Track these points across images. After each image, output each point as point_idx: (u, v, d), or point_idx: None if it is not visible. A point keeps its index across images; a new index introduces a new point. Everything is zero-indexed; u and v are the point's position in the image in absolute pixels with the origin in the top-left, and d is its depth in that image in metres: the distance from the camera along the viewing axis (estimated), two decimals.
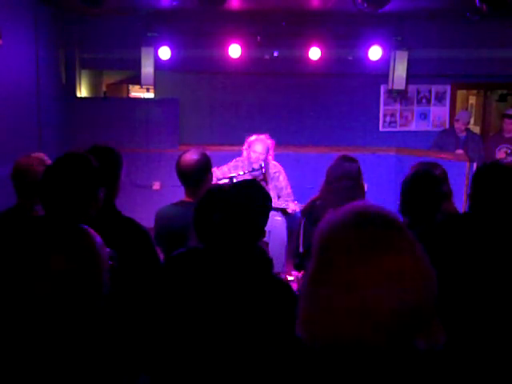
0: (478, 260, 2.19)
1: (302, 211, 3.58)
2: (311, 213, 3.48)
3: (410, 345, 1.01)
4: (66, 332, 1.24)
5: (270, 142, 4.68)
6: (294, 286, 3.60)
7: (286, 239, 4.59)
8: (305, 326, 1.08)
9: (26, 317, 1.23)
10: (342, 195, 3.33)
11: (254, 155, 4.59)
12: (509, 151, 6.20)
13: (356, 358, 1.01)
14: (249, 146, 4.68)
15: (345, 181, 3.38)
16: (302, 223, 3.52)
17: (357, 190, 3.39)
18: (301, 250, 3.52)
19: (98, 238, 1.33)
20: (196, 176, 2.87)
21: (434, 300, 1.03)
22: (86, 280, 1.26)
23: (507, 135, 6.28)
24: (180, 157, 2.94)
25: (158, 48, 6.46)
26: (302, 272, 3.64)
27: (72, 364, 1.22)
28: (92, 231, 1.33)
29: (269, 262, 1.81)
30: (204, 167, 2.91)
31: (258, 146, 4.62)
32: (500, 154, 6.23)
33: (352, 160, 3.47)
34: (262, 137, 4.68)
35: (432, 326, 1.02)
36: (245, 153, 4.74)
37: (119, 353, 1.43)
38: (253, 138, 4.70)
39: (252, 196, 1.80)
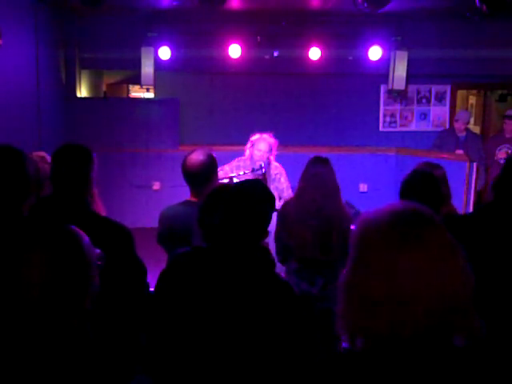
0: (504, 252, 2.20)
1: (277, 212, 3.64)
2: (281, 212, 3.54)
3: (448, 339, 1.02)
4: (55, 333, 1.23)
5: (273, 140, 4.69)
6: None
7: None
8: (345, 319, 1.10)
9: (17, 320, 1.23)
10: (309, 196, 3.39)
11: (257, 153, 4.60)
12: (509, 151, 6.21)
13: (393, 351, 1.03)
14: (252, 145, 4.69)
15: (312, 182, 3.42)
16: (276, 221, 3.58)
17: (325, 191, 3.42)
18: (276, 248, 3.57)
19: (86, 238, 1.32)
20: (202, 176, 2.86)
21: (471, 295, 1.04)
22: (73, 279, 1.26)
23: (508, 135, 6.29)
24: (186, 157, 2.92)
25: (158, 48, 6.46)
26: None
27: (63, 363, 1.21)
28: (80, 231, 1.33)
29: (271, 262, 1.81)
30: (210, 168, 2.90)
31: (262, 144, 4.63)
32: (501, 154, 6.24)
33: (321, 161, 3.51)
34: (266, 135, 4.69)
35: (470, 321, 1.04)
36: (247, 152, 4.74)
37: (111, 352, 1.43)
38: (256, 136, 4.71)
39: (255, 196, 1.79)
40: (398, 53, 6.62)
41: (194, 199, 2.90)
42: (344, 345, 3.34)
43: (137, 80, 6.94)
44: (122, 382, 1.29)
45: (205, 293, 1.71)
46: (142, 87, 6.96)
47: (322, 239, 3.37)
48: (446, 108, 7.29)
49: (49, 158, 2.90)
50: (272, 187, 4.64)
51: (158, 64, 6.53)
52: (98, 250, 1.42)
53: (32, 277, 1.21)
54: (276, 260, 3.62)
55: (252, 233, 1.77)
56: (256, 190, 1.82)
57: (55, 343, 1.23)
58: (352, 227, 3.48)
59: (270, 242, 4.23)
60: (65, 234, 1.30)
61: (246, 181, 1.89)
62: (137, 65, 6.44)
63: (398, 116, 7.28)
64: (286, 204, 3.59)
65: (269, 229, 1.84)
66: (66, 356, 1.22)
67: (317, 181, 3.42)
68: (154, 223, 2.99)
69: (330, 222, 3.37)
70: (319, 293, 3.40)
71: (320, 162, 3.49)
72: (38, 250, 1.24)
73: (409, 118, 7.30)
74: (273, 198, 1.87)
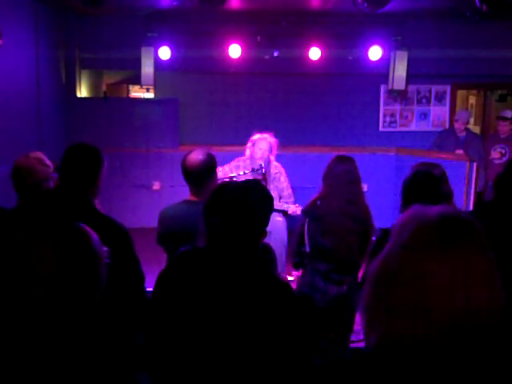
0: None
1: (305, 211, 3.58)
2: (314, 212, 3.50)
3: (464, 352, 1.00)
4: (64, 330, 1.24)
5: (273, 140, 4.70)
6: (294, 286, 3.60)
7: (286, 240, 4.59)
8: (368, 319, 1.08)
9: (27, 317, 1.23)
10: (341, 195, 3.36)
11: (258, 152, 4.61)
12: (503, 151, 6.21)
13: (413, 357, 1.01)
14: (253, 144, 4.70)
15: (343, 181, 3.39)
16: (306, 223, 3.51)
17: (355, 189, 3.41)
18: (307, 249, 3.51)
19: (95, 236, 1.34)
20: (201, 175, 2.88)
21: (498, 311, 1.02)
22: (83, 277, 1.27)
23: (502, 136, 6.30)
24: (185, 156, 2.94)
25: (158, 48, 6.46)
26: (300, 270, 3.65)
27: (71, 359, 1.22)
28: (88, 229, 1.34)
29: (270, 261, 1.81)
30: (209, 167, 2.91)
31: (263, 143, 4.65)
32: (495, 154, 6.25)
33: (348, 160, 3.49)
34: (266, 135, 4.71)
35: (489, 337, 1.02)
36: (248, 151, 4.75)
37: (108, 351, 1.43)
38: (257, 136, 4.73)
39: (254, 196, 1.80)
40: (398, 53, 6.62)
41: (193, 198, 2.91)
42: (354, 337, 3.33)
43: (137, 80, 6.94)
44: (120, 376, 1.29)
45: (203, 293, 1.71)
46: (141, 87, 6.96)
47: (361, 240, 3.37)
48: (446, 108, 7.30)
49: (46, 160, 2.90)
50: (272, 186, 4.64)
51: (158, 64, 6.53)
52: (106, 248, 1.43)
53: (43, 273, 1.23)
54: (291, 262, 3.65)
55: (250, 233, 1.77)
56: (255, 190, 1.82)
57: (64, 338, 1.24)
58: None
59: (271, 242, 4.24)
60: (75, 231, 1.32)
61: (245, 181, 1.89)
62: (137, 65, 6.44)
63: (398, 116, 7.28)
64: (315, 205, 3.49)
65: (268, 229, 1.84)
66: (73, 351, 1.23)
67: (348, 178, 3.38)
68: (154, 223, 2.99)
69: (365, 222, 3.38)
70: (348, 291, 3.40)
71: (346, 160, 3.46)
72: (49, 247, 1.25)
73: (409, 118, 7.30)
74: (271, 199, 1.87)
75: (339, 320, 3.40)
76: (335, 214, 3.36)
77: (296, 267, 3.67)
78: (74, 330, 1.26)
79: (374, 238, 3.38)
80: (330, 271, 3.40)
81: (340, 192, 3.37)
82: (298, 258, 3.58)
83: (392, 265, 1.06)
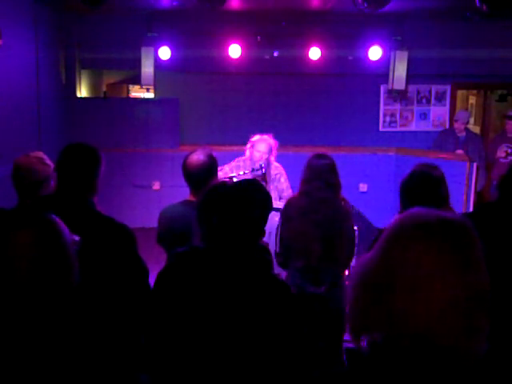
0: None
1: (281, 211, 3.57)
2: (285, 212, 3.48)
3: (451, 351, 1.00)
4: (35, 320, 1.27)
5: (273, 141, 4.69)
6: None
7: None
8: (356, 314, 1.08)
9: (3, 306, 1.26)
10: (312, 197, 3.35)
11: (257, 154, 4.60)
12: (509, 150, 6.21)
13: (392, 355, 1.01)
14: (252, 146, 4.69)
15: (315, 182, 3.37)
16: (279, 222, 3.51)
17: (328, 190, 3.38)
18: (277, 249, 3.49)
19: (63, 226, 1.36)
20: (202, 177, 2.84)
21: (486, 310, 1.02)
22: (52, 267, 1.29)
23: (510, 135, 6.30)
24: (186, 157, 2.92)
25: (158, 48, 6.47)
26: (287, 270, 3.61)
27: (44, 352, 1.23)
28: (58, 219, 1.36)
29: (268, 262, 1.81)
30: (210, 168, 2.89)
31: (262, 145, 4.63)
32: (500, 153, 6.25)
33: (323, 157, 3.47)
34: (266, 137, 4.69)
35: (478, 336, 1.02)
36: (248, 152, 4.74)
37: (112, 350, 1.44)
38: (256, 137, 4.71)
39: (252, 196, 1.79)
40: (398, 53, 6.63)
41: (193, 199, 2.90)
42: (346, 345, 3.29)
43: (137, 80, 6.95)
44: (122, 379, 1.29)
45: (202, 293, 1.71)
46: (142, 87, 6.96)
47: (326, 233, 3.31)
48: (446, 108, 7.30)
49: (47, 159, 2.90)
50: (272, 187, 4.64)
51: (158, 64, 6.53)
52: (77, 237, 1.45)
53: (17, 260, 1.27)
54: (276, 262, 3.62)
55: (249, 233, 1.77)
56: (253, 189, 1.82)
57: (39, 329, 1.25)
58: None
59: (271, 242, 4.23)
60: (44, 220, 1.35)
61: (243, 180, 1.89)
62: (137, 65, 6.44)
63: (398, 116, 7.28)
64: (288, 204, 3.50)
65: (268, 229, 1.84)
66: (50, 342, 1.25)
67: (317, 179, 3.37)
68: (154, 223, 2.99)
69: (333, 227, 3.33)
70: (326, 293, 3.36)
71: (322, 157, 3.46)
72: (21, 235, 1.29)
73: (409, 118, 7.30)
74: (270, 198, 1.86)
75: (319, 320, 3.34)
76: (301, 215, 3.34)
77: (282, 267, 3.63)
78: (49, 318, 1.28)
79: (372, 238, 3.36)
80: (307, 269, 3.36)
81: (310, 194, 3.35)
82: (281, 258, 3.54)
83: (375, 266, 1.05)
